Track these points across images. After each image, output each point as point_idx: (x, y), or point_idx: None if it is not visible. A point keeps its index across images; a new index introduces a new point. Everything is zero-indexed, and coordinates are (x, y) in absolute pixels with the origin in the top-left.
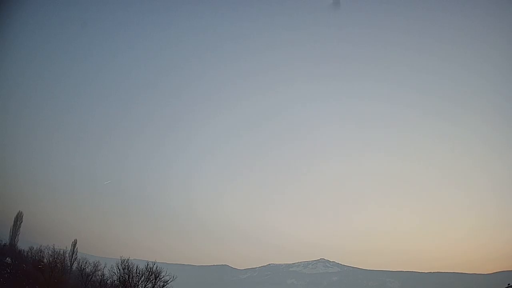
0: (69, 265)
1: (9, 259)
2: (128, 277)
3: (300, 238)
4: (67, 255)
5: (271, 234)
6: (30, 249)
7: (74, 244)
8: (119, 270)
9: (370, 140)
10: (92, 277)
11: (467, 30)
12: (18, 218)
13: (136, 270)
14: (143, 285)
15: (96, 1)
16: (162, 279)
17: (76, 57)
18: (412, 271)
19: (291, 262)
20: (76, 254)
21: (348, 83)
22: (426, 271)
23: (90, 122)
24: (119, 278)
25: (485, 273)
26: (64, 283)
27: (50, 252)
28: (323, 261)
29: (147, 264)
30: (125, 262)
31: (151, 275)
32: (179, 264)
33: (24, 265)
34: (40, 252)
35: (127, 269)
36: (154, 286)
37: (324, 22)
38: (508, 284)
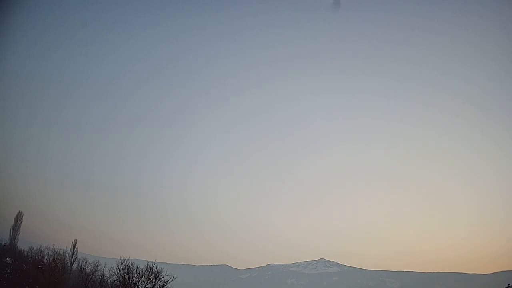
0: (69, 265)
1: (9, 259)
2: (128, 277)
3: (300, 238)
4: (67, 255)
5: (271, 234)
6: (30, 249)
7: (74, 244)
8: (119, 270)
9: (370, 139)
10: (92, 277)
11: (467, 25)
12: (18, 218)
13: (136, 270)
14: (143, 285)
15: (91, 0)
16: (162, 279)
17: (71, 56)
18: (412, 271)
19: (291, 262)
20: (76, 254)
21: (344, 79)
22: (426, 271)
23: (89, 122)
24: (119, 278)
25: (485, 273)
26: (64, 283)
27: (50, 252)
28: (323, 261)
29: (147, 264)
30: (125, 262)
31: (151, 275)
32: (179, 264)
33: (24, 265)
34: (40, 252)
35: (127, 269)
36: (154, 286)
37: (322, 19)
38: (508, 284)
